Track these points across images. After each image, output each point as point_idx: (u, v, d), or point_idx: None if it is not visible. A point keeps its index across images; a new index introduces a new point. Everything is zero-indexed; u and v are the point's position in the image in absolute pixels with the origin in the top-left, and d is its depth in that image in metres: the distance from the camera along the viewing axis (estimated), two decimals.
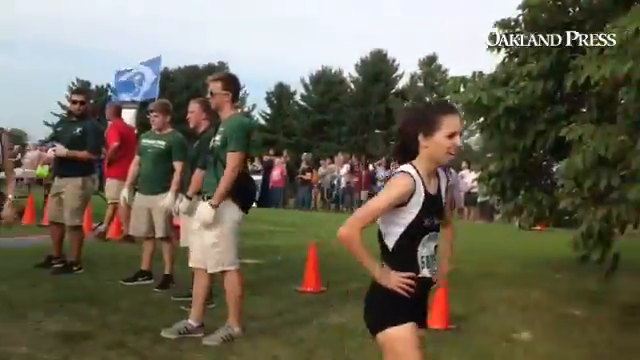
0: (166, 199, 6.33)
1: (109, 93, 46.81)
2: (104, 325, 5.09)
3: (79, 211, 7.13)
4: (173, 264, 6.65)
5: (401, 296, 2.64)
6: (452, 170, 19.80)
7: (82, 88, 9.82)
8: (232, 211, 4.86)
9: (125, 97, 13.47)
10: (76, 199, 7.06)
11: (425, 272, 2.71)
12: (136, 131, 11.27)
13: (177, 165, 6.48)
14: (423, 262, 2.70)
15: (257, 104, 54.67)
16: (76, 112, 7.33)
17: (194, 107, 6.06)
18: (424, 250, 2.71)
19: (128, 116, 11.07)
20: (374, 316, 2.76)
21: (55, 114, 59.13)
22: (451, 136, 2.65)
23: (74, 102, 7.39)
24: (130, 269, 6.94)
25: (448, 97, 8.36)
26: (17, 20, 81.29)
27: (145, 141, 6.75)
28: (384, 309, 2.70)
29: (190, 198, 5.62)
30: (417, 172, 2.68)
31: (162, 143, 6.57)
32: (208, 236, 4.85)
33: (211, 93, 4.98)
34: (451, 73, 45.97)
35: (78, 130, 7.18)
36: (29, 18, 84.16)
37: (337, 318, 5.69)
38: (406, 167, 2.70)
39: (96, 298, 5.95)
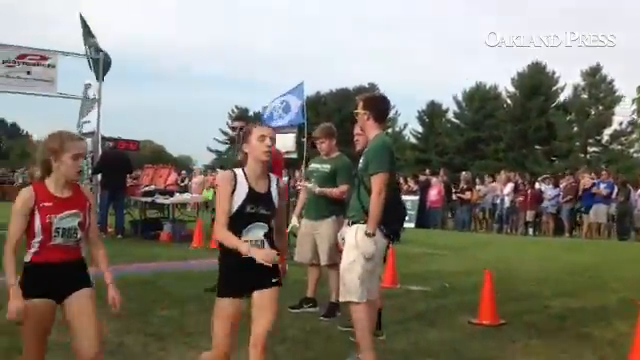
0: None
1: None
2: (275, 356, 4.92)
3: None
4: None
5: None
6: (630, 187, 18.12)
7: (241, 115, 9.83)
8: (376, 238, 4.54)
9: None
10: None
11: None
12: (295, 155, 11.30)
13: (342, 186, 6.25)
14: None
15: (409, 123, 54.33)
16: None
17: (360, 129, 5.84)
18: None
19: (287, 142, 11.06)
20: None
21: (218, 140, 62.78)
22: None
23: (233, 129, 7.48)
24: (296, 295, 6.80)
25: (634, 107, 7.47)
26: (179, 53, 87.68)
27: (312, 165, 6.65)
28: None
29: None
30: None
31: (327, 167, 6.39)
32: (345, 261, 4.62)
33: (356, 114, 4.86)
34: (617, 84, 43.05)
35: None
36: (192, 50, 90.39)
37: (523, 358, 5.12)
38: None
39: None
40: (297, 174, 15.12)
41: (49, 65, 14.55)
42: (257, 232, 3.52)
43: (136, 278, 7.93)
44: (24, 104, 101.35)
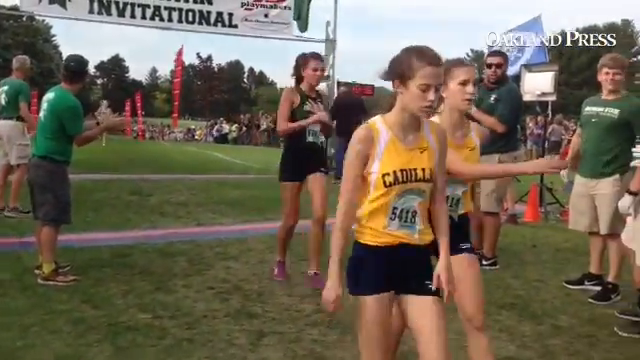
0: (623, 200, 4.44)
1: None
2: (545, 350, 3.86)
3: (493, 194, 5.97)
4: (620, 270, 5.07)
5: None
6: None
7: (499, 50, 8.52)
8: None
9: None
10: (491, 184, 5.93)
11: None
12: (554, 98, 9.66)
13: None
14: None
15: None
16: (494, 78, 6.16)
17: None
18: None
19: (544, 81, 9.43)
20: None
21: None
22: None
23: (489, 66, 6.20)
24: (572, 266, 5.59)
25: None
26: None
27: (589, 109, 5.22)
28: None
29: (635, 193, 4.25)
30: None
31: (614, 111, 4.96)
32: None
33: None
34: None
35: (492, 98, 6.02)
36: None
37: None
38: None
39: (525, 306, 4.75)
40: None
41: (286, 7, 14.39)
42: None
43: None
44: (266, 51, 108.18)
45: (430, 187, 2.47)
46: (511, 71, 11.50)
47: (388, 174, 2.38)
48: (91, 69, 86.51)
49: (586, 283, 5.33)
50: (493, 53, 6.61)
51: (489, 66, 6.14)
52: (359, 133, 2.42)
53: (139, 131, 37.78)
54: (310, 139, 5.19)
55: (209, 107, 60.57)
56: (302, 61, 5.14)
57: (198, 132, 41.08)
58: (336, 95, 14.07)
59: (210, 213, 8.37)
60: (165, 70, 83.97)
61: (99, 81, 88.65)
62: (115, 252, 5.88)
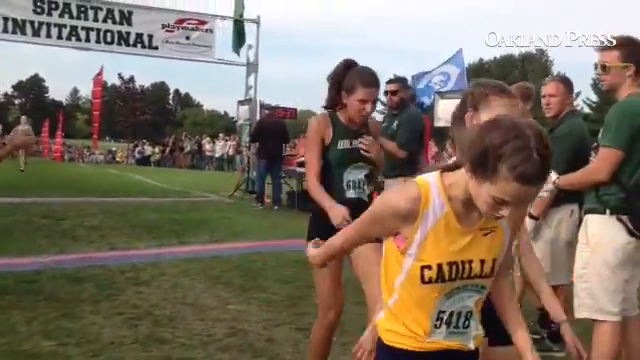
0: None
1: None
2: None
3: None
4: (524, 289, 5.28)
5: None
6: None
7: (396, 77, 8.70)
8: (612, 233, 3.31)
9: (426, 101, 12.56)
10: None
11: None
12: None
13: None
14: None
15: (582, 91, 50.37)
16: (392, 104, 6.33)
17: (556, 87, 4.66)
18: None
19: (454, 106, 9.79)
20: None
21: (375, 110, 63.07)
22: None
23: (385, 93, 6.30)
24: None
25: None
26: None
27: None
28: None
29: (536, 218, 4.37)
30: None
31: None
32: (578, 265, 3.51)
33: (603, 67, 3.50)
34: None
35: (395, 124, 6.17)
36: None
37: None
38: None
39: None
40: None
41: (207, 30, 14.44)
42: None
43: (289, 257, 7.27)
44: (192, 73, 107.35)
45: (492, 280, 1.78)
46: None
47: (429, 267, 1.67)
48: (9, 89, 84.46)
49: None
50: (389, 80, 6.50)
51: (385, 93, 6.18)
52: (401, 195, 1.71)
53: (56, 152, 36.50)
54: (351, 194, 3.31)
55: (132, 129, 59.32)
56: (348, 82, 3.25)
57: (119, 154, 40.10)
58: (258, 118, 14.13)
59: (125, 237, 8.18)
60: (87, 90, 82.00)
61: (17, 101, 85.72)
62: (20, 278, 5.65)
